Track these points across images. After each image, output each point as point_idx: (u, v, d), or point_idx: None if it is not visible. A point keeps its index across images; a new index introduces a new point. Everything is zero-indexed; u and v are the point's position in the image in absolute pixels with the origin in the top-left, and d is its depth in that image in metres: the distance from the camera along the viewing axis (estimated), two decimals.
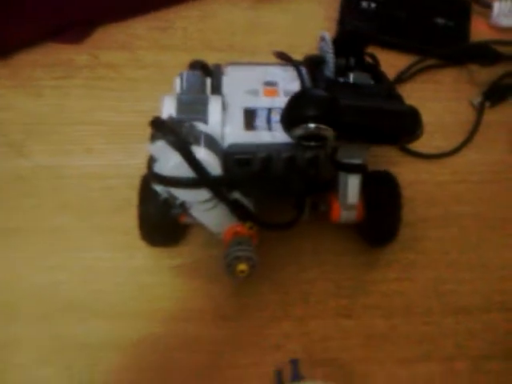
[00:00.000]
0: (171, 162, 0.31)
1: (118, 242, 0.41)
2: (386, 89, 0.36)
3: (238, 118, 0.34)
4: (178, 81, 0.35)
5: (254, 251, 0.33)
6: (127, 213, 0.41)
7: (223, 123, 0.33)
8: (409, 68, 0.50)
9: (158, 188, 0.33)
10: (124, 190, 0.43)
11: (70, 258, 0.41)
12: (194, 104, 0.33)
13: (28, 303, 0.39)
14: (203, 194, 0.33)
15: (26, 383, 0.37)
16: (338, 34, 0.50)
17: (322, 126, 0.30)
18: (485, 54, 0.50)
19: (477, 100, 0.49)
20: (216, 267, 0.40)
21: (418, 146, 0.46)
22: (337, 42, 0.36)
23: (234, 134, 0.33)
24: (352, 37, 0.38)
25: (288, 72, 0.37)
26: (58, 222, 0.42)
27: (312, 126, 0.30)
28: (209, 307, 0.39)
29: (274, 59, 0.38)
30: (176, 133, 0.31)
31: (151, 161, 0.32)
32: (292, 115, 0.31)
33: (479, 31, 0.53)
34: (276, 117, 0.34)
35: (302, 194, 0.36)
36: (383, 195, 0.39)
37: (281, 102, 0.33)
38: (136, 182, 0.38)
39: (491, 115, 0.49)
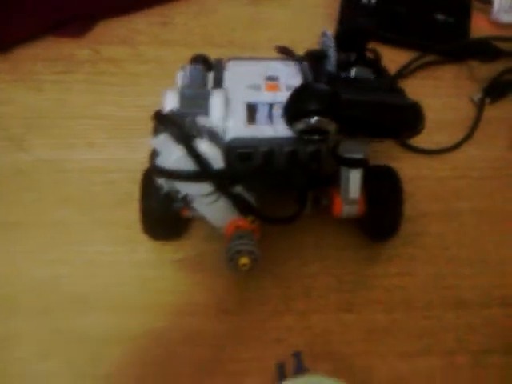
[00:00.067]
0: (174, 155, 0.31)
1: (120, 235, 0.41)
2: (388, 83, 0.36)
3: (240, 113, 0.34)
4: (180, 75, 0.35)
5: (256, 245, 0.33)
6: (129, 207, 0.41)
7: (225, 117, 0.33)
8: (409, 64, 0.51)
9: (161, 181, 0.33)
10: (126, 184, 0.43)
11: (71, 252, 0.41)
12: (196, 98, 0.33)
13: (29, 297, 0.39)
14: (205, 187, 0.33)
15: (27, 377, 0.37)
16: (340, 29, 0.50)
17: (324, 120, 0.30)
18: (485, 50, 0.50)
19: (477, 96, 0.50)
20: (218, 261, 0.40)
21: (418, 141, 0.46)
22: (338, 36, 0.36)
23: (236, 128, 0.33)
24: (353, 32, 0.38)
25: (290, 67, 0.37)
26: (59, 216, 0.42)
27: (314, 119, 0.30)
28: (211, 301, 0.39)
29: (274, 55, 0.38)
30: (179, 126, 0.31)
31: (154, 154, 0.33)
32: (294, 109, 0.31)
33: (479, 27, 0.53)
34: (278, 111, 0.34)
35: (304, 188, 0.36)
36: (385, 190, 0.39)
37: (283, 96, 0.33)
38: (138, 176, 0.38)
39: (491, 111, 0.49)
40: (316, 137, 0.32)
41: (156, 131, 0.32)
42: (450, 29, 0.52)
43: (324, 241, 0.42)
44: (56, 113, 0.46)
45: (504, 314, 0.41)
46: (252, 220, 0.35)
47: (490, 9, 0.53)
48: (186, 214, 0.38)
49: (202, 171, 0.32)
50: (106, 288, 0.39)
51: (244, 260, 0.33)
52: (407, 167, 0.45)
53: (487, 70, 0.51)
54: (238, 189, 0.34)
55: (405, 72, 0.50)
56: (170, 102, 0.33)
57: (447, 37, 0.51)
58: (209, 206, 0.34)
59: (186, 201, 0.35)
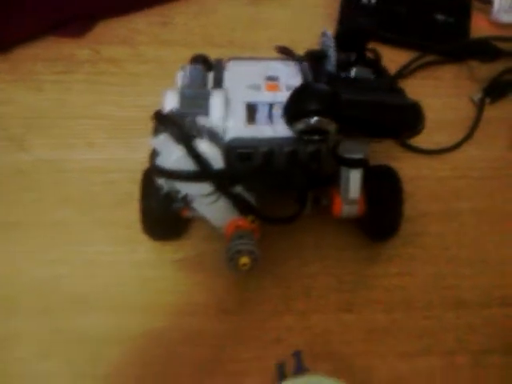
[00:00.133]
0: (174, 155, 0.31)
1: (120, 236, 0.41)
2: (388, 83, 0.36)
3: (240, 113, 0.34)
4: (180, 75, 0.35)
5: (256, 245, 0.33)
6: (129, 207, 0.41)
7: (225, 117, 0.33)
8: (409, 64, 0.51)
9: (161, 181, 0.33)
10: (126, 185, 0.43)
11: (71, 252, 0.41)
12: (196, 98, 0.33)
13: (28, 297, 0.39)
14: (205, 187, 0.33)
15: (27, 377, 0.37)
16: (340, 28, 0.50)
17: (324, 120, 0.30)
18: (485, 50, 0.50)
19: (477, 96, 0.50)
20: (218, 261, 0.40)
21: (418, 141, 0.46)
22: (338, 36, 0.36)
23: (235, 128, 0.33)
24: (353, 31, 0.38)
25: (290, 67, 0.37)
26: (59, 216, 0.42)
27: (314, 119, 0.30)
28: (211, 301, 0.39)
29: (274, 55, 0.38)
30: (179, 126, 0.31)
31: (154, 154, 0.33)
32: (294, 109, 0.31)
33: (479, 27, 0.53)
34: (278, 111, 0.34)
35: (304, 188, 0.36)
36: (385, 190, 0.39)
37: (283, 96, 0.33)
38: (137, 177, 0.38)
39: (491, 111, 0.49)
40: (316, 137, 0.32)
41: (156, 131, 0.32)
42: (450, 29, 0.52)
43: (324, 241, 0.42)
44: (56, 113, 0.46)
45: (504, 314, 0.41)
46: (252, 220, 0.35)
47: (490, 9, 0.53)
48: (186, 214, 0.38)
49: (202, 171, 0.32)
50: (106, 288, 0.39)
51: (244, 260, 0.33)
52: (407, 167, 0.45)
53: (487, 70, 0.51)
54: (238, 189, 0.34)
55: (405, 72, 0.50)
56: (170, 102, 0.33)
57: (447, 37, 0.51)
58: (209, 206, 0.34)
59: (185, 201, 0.35)
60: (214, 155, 0.32)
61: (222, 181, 0.33)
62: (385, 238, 0.41)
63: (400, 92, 0.35)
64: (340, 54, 0.36)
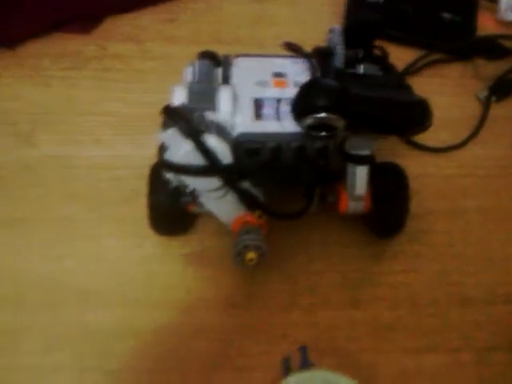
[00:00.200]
0: (182, 150, 0.31)
1: (127, 231, 0.41)
2: (396, 80, 0.36)
3: (248, 108, 0.34)
4: (189, 70, 0.36)
5: (263, 240, 0.34)
6: (135, 203, 0.41)
7: (233, 113, 0.33)
8: (415, 62, 0.51)
9: (169, 176, 0.33)
10: (132, 181, 0.43)
11: (77, 248, 0.41)
12: (204, 93, 0.34)
13: (35, 292, 0.39)
14: (214, 182, 0.33)
15: (34, 370, 0.37)
16: (347, 25, 0.50)
17: (333, 116, 0.30)
18: (491, 48, 0.50)
19: (483, 94, 0.50)
20: (225, 256, 0.40)
21: (424, 139, 0.47)
22: (346, 33, 0.36)
23: (243, 123, 0.33)
24: (360, 26, 0.38)
25: (297, 64, 0.37)
26: (66, 212, 0.42)
27: (322, 115, 0.30)
28: (219, 296, 0.39)
29: (281, 52, 0.38)
30: (188, 121, 0.31)
31: (162, 149, 0.33)
32: (303, 104, 0.32)
33: (486, 26, 0.53)
34: (285, 107, 0.34)
35: (312, 183, 0.36)
36: (391, 186, 0.39)
37: (290, 92, 0.33)
38: (144, 173, 0.38)
39: (497, 110, 0.49)
40: (324, 133, 0.32)
41: (165, 126, 0.32)
42: (457, 27, 0.52)
43: (330, 238, 0.42)
44: (63, 109, 0.46)
45: (508, 311, 0.41)
46: (259, 215, 0.35)
47: (497, 7, 0.53)
48: (193, 209, 0.38)
49: (211, 166, 0.32)
50: (113, 283, 0.40)
51: (251, 255, 0.33)
52: (413, 165, 0.45)
53: (493, 69, 0.51)
54: (246, 184, 0.34)
55: (411, 70, 0.50)
56: (179, 97, 0.33)
57: (453, 35, 0.52)
58: (216, 200, 0.34)
59: (193, 195, 0.35)
60: (222, 150, 0.32)
61: (230, 176, 0.33)
62: (391, 234, 0.41)
63: (408, 89, 0.35)
64: (348, 50, 0.36)
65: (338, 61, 0.35)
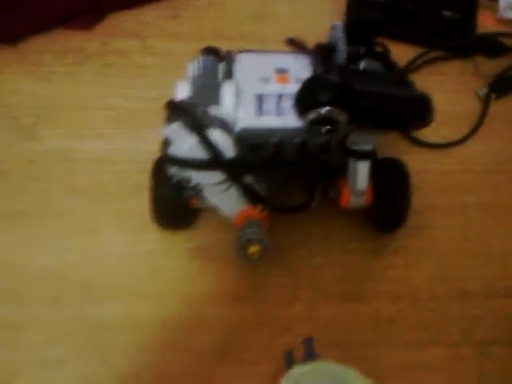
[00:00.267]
0: (187, 144, 0.32)
1: (129, 225, 0.42)
2: (398, 76, 0.36)
3: (251, 104, 0.34)
4: (192, 65, 0.36)
5: (266, 234, 0.34)
6: (137, 197, 0.41)
7: (236, 108, 0.34)
8: (415, 60, 0.51)
9: (172, 170, 0.33)
10: (134, 175, 0.43)
11: (80, 241, 0.41)
12: (208, 88, 0.34)
13: (38, 286, 0.39)
14: (217, 176, 0.33)
15: (37, 363, 0.37)
16: (348, 23, 0.51)
17: (335, 110, 0.31)
18: (491, 46, 0.51)
19: (482, 92, 0.50)
20: (227, 250, 0.40)
21: (424, 135, 0.47)
22: (347, 30, 0.36)
23: (246, 118, 0.34)
24: (362, 22, 0.38)
25: (299, 60, 0.37)
26: (68, 206, 0.42)
27: (325, 109, 0.31)
28: (222, 289, 0.40)
29: (282, 48, 0.39)
30: (191, 115, 0.32)
31: (165, 143, 0.33)
32: (306, 99, 0.32)
33: (486, 24, 0.53)
34: (287, 103, 0.34)
35: (314, 178, 0.36)
36: (392, 182, 0.39)
37: (292, 88, 0.33)
38: (146, 167, 0.39)
39: (496, 107, 0.50)
40: (327, 127, 0.32)
41: (168, 120, 0.32)
42: (457, 25, 0.52)
43: (331, 232, 0.43)
44: (65, 103, 0.47)
45: (508, 305, 0.41)
46: (262, 209, 0.35)
47: (497, 6, 0.53)
48: (196, 203, 0.38)
49: (214, 160, 0.32)
50: (116, 276, 0.40)
51: (254, 248, 0.34)
52: (413, 160, 0.45)
53: (493, 66, 0.51)
54: (248, 178, 0.35)
55: (411, 67, 0.51)
56: (182, 92, 0.34)
57: (454, 33, 0.52)
58: (220, 194, 0.35)
59: (196, 190, 0.35)
60: (225, 144, 0.32)
61: (233, 170, 0.33)
62: (392, 229, 0.42)
63: (409, 85, 0.35)
64: (349, 47, 0.36)
65: (340, 57, 0.36)
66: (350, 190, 0.37)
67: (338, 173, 0.38)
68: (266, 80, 0.35)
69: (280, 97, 0.35)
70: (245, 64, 0.36)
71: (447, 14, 0.52)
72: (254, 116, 0.34)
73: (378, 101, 0.33)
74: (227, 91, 0.34)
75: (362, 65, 0.36)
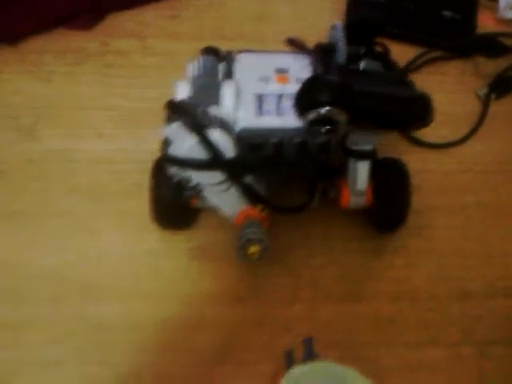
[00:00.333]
0: (187, 144, 0.32)
1: (129, 225, 0.42)
2: (398, 76, 0.36)
3: (251, 104, 0.34)
4: (192, 65, 0.36)
5: (266, 234, 0.34)
6: (137, 197, 0.41)
7: (236, 108, 0.34)
8: (415, 60, 0.51)
9: (172, 170, 0.33)
10: (134, 175, 0.43)
11: (79, 241, 0.41)
12: (208, 88, 0.34)
13: (37, 286, 0.39)
14: (217, 176, 0.33)
15: (37, 363, 0.37)
16: (348, 23, 0.51)
17: (335, 110, 0.31)
18: (491, 46, 0.51)
19: (482, 92, 0.50)
20: (227, 250, 0.40)
21: (425, 135, 0.47)
22: (347, 30, 0.36)
23: (246, 118, 0.34)
24: (362, 26, 0.38)
25: (299, 60, 0.37)
26: (68, 206, 0.42)
27: (325, 109, 0.31)
28: (222, 289, 0.40)
29: (282, 48, 0.39)
30: (191, 115, 0.32)
31: (165, 143, 0.33)
32: (306, 99, 0.32)
33: (486, 24, 0.53)
34: (287, 103, 0.34)
35: (314, 178, 0.36)
36: (392, 181, 0.39)
37: (292, 88, 0.33)
38: (146, 167, 0.39)
39: (496, 107, 0.50)
40: (327, 127, 0.32)
41: (168, 120, 0.32)
42: (457, 25, 0.52)
43: (331, 232, 0.43)
44: (65, 103, 0.47)
45: (508, 305, 0.41)
46: (262, 209, 0.35)
47: (497, 6, 0.53)
48: (196, 203, 0.38)
49: (214, 160, 0.32)
50: (116, 277, 0.40)
51: (254, 248, 0.34)
52: (413, 160, 0.45)
53: (493, 66, 0.51)
54: (248, 178, 0.35)
55: (411, 67, 0.51)
56: (182, 92, 0.34)
57: (454, 33, 0.52)
58: (220, 194, 0.35)
59: (196, 189, 0.35)
60: (225, 144, 0.32)
61: (233, 170, 0.33)
62: (392, 229, 0.42)
63: (409, 84, 0.35)
64: (349, 47, 0.36)
65: (340, 57, 0.36)
66: (350, 190, 0.37)
67: (338, 173, 0.38)
68: (265, 80, 0.35)
69: (280, 97, 0.35)
70: (245, 64, 0.36)
71: (447, 13, 0.52)
72: (254, 116, 0.34)
73: (378, 101, 0.33)
74: (227, 91, 0.34)
75: (362, 65, 0.36)
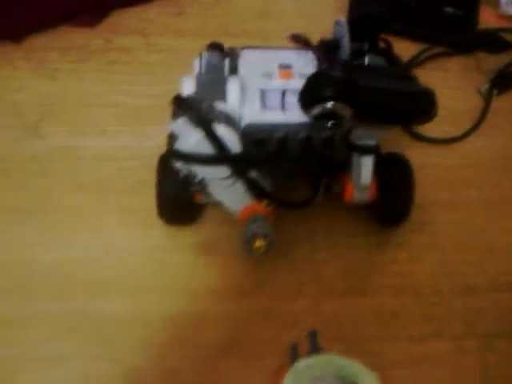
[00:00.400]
0: (193, 138, 0.32)
1: (134, 221, 0.42)
2: (401, 71, 0.36)
3: (255, 99, 0.34)
4: (197, 61, 0.36)
5: (271, 228, 0.34)
6: (141, 194, 0.41)
7: (241, 103, 0.34)
8: (418, 55, 0.51)
9: (178, 165, 0.34)
10: (138, 172, 0.44)
11: (83, 238, 0.41)
12: (213, 84, 0.34)
13: (41, 282, 0.40)
14: (223, 170, 0.33)
15: (41, 359, 0.37)
16: (351, 19, 0.51)
17: (340, 105, 0.31)
18: (492, 42, 0.51)
19: (484, 87, 0.50)
20: (232, 245, 0.40)
21: (427, 131, 0.47)
22: (351, 26, 0.37)
23: (250, 114, 0.34)
24: (365, 22, 0.39)
25: (303, 56, 0.37)
26: (72, 203, 0.43)
27: (330, 104, 0.31)
28: (228, 284, 0.40)
29: (286, 45, 0.39)
30: (197, 110, 0.32)
31: (171, 139, 0.33)
32: (310, 94, 0.32)
33: (487, 20, 0.53)
34: (291, 98, 0.34)
35: (318, 173, 0.37)
36: (396, 176, 0.39)
37: (296, 84, 0.34)
38: (150, 164, 0.39)
39: (498, 102, 0.50)
40: (331, 122, 0.32)
41: (174, 116, 0.33)
42: (459, 21, 0.53)
43: (335, 227, 0.43)
44: (69, 100, 0.47)
45: (510, 298, 0.41)
46: (267, 204, 0.36)
47: (498, 2, 0.54)
48: (200, 199, 0.38)
49: (220, 155, 0.32)
50: (121, 273, 0.40)
51: (259, 243, 0.34)
52: (416, 156, 0.45)
53: (494, 62, 0.52)
54: (253, 174, 0.35)
55: (414, 63, 0.51)
56: (188, 88, 0.34)
57: (456, 29, 0.52)
58: (225, 189, 0.35)
59: (202, 185, 0.35)
60: (231, 139, 0.32)
61: (238, 164, 0.33)
62: (395, 223, 0.42)
63: (413, 79, 0.36)
64: (353, 42, 0.36)
65: (344, 53, 0.36)
66: (354, 185, 0.38)
67: (342, 168, 0.38)
68: (269, 76, 0.36)
69: (284, 92, 0.35)
70: (248, 60, 0.37)
71: (449, 10, 0.53)
72: (259, 111, 0.34)
73: (382, 95, 0.33)
74: (232, 87, 0.34)
75: (366, 60, 0.36)
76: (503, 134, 0.49)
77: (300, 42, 0.38)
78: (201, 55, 0.36)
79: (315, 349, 0.32)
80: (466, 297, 0.41)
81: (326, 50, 0.37)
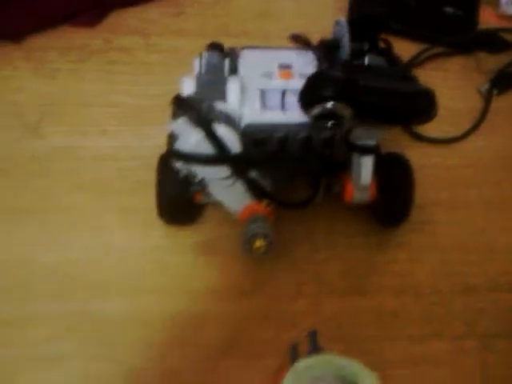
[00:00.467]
0: (193, 138, 0.32)
1: (134, 221, 0.42)
2: (401, 71, 0.37)
3: (255, 99, 0.34)
4: (197, 61, 0.36)
5: (271, 228, 0.34)
6: (141, 194, 0.41)
7: (241, 103, 0.34)
8: (418, 55, 0.51)
9: (178, 165, 0.34)
10: (138, 172, 0.44)
11: (83, 238, 0.41)
12: (213, 84, 0.34)
13: (41, 282, 0.40)
14: (223, 170, 0.33)
15: (41, 359, 0.37)
16: (351, 19, 0.51)
17: (340, 105, 0.31)
18: (492, 42, 0.51)
19: (484, 87, 0.50)
20: (232, 245, 0.40)
21: (427, 131, 0.47)
22: (351, 26, 0.37)
23: (250, 114, 0.34)
24: (365, 22, 0.39)
25: (303, 56, 0.37)
26: (72, 203, 0.43)
27: (330, 104, 0.31)
28: (229, 284, 0.40)
29: (286, 45, 0.39)
30: (197, 110, 0.32)
31: (171, 139, 0.33)
32: (310, 94, 0.32)
33: (487, 20, 0.53)
34: (291, 98, 0.34)
35: (318, 173, 0.37)
36: (396, 176, 0.39)
37: (296, 84, 0.34)
38: (149, 164, 0.39)
39: (498, 102, 0.50)
40: (331, 122, 0.32)
41: (175, 115, 0.33)
42: (459, 21, 0.53)
43: (335, 227, 0.43)
44: (69, 100, 0.47)
45: (511, 298, 0.41)
46: (267, 204, 0.36)
47: (498, 2, 0.54)
48: (200, 199, 0.38)
49: (220, 154, 0.32)
50: (121, 273, 0.40)
51: (259, 243, 0.34)
52: (416, 156, 0.45)
53: (494, 62, 0.52)
54: (253, 174, 0.35)
55: (414, 63, 0.51)
56: (188, 88, 0.34)
57: (456, 29, 0.52)
58: (225, 189, 0.35)
59: (202, 185, 0.35)
60: (231, 139, 0.32)
61: (238, 164, 0.33)
62: (395, 223, 0.42)
63: (413, 79, 0.36)
64: (353, 42, 0.36)
65: (344, 53, 0.36)
66: (354, 185, 0.38)
67: (342, 168, 0.38)
68: (269, 75, 0.36)
69: (284, 92, 0.35)
70: (248, 60, 0.37)
71: (449, 10, 0.53)
72: (259, 111, 0.34)
73: (382, 95, 0.33)
74: (232, 87, 0.34)
75: (366, 60, 0.36)
76: (503, 133, 0.49)
77: (300, 41, 0.38)
78: (201, 55, 0.36)
79: (315, 349, 0.32)
80: (466, 297, 0.41)
81: (326, 50, 0.37)
